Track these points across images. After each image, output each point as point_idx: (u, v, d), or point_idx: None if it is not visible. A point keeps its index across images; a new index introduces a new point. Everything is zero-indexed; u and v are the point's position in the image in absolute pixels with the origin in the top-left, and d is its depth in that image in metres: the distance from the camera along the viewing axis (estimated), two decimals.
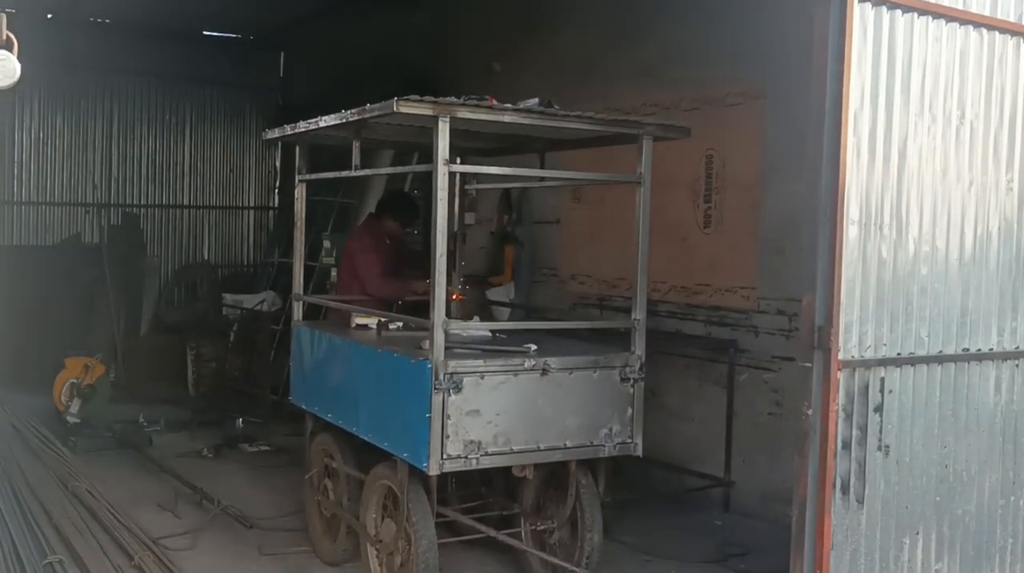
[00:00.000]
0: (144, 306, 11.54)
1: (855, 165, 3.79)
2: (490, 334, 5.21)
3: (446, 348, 4.49)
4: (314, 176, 5.88)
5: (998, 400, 4.33)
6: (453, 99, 4.25)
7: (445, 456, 4.34)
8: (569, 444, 4.66)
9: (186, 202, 12.07)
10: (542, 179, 5.94)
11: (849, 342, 3.83)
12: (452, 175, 6.44)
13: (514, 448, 4.52)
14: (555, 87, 7.44)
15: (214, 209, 12.18)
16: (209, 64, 11.67)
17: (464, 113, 4.26)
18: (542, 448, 4.59)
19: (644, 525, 6.42)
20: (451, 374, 4.32)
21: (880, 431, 3.94)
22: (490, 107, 4.31)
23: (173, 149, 11.99)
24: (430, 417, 4.30)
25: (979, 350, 4.25)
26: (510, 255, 8.82)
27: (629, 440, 4.81)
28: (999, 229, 4.29)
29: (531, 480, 5.11)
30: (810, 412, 3.78)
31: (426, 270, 7.21)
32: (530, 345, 4.75)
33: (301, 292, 6.03)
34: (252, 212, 12.30)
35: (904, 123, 3.97)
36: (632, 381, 4.81)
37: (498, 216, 8.94)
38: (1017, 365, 4.37)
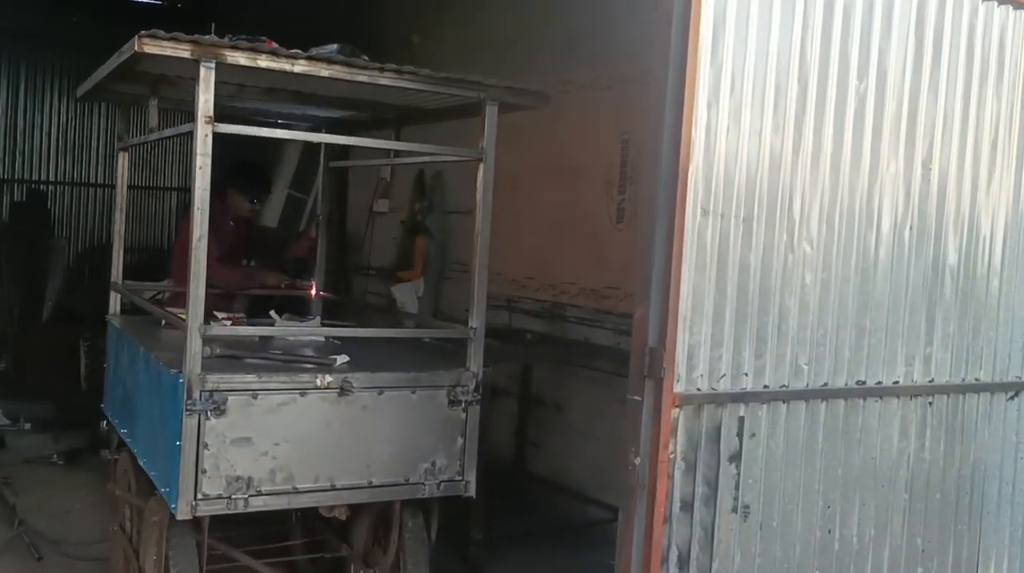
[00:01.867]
0: (48, 291, 10.61)
1: (706, 130, 2.85)
2: (324, 341, 4.32)
3: (225, 357, 3.59)
4: (138, 141, 4.94)
5: (904, 446, 3.39)
6: (216, 38, 3.32)
7: (200, 495, 3.41)
8: (376, 482, 3.73)
9: (99, 180, 11.17)
10: (395, 155, 5.01)
11: (694, 370, 2.89)
12: (322, 148, 5.59)
13: (298, 486, 3.59)
14: (474, 63, 6.52)
15: (131, 189, 11.24)
16: (131, 34, 10.70)
17: (236, 58, 3.33)
18: (338, 487, 3.66)
19: (526, 566, 5.51)
20: (210, 392, 3.40)
21: (737, 486, 3.01)
22: (271, 52, 3.38)
23: (86, 123, 11.08)
24: (180, 445, 3.37)
25: (879, 383, 3.31)
26: (421, 248, 7.89)
27: (458, 477, 3.88)
28: (912, 227, 3.34)
29: (363, 518, 4.21)
30: (637, 461, 2.84)
31: (280, 257, 6.39)
32: (336, 356, 3.83)
33: (120, 280, 5.10)
34: (174, 194, 11.38)
35: (782, 82, 3.02)
36: (464, 404, 3.88)
37: (409, 203, 8.02)
38: (930, 402, 3.42)
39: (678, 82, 2.76)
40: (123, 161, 5.12)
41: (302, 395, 3.57)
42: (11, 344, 9.61)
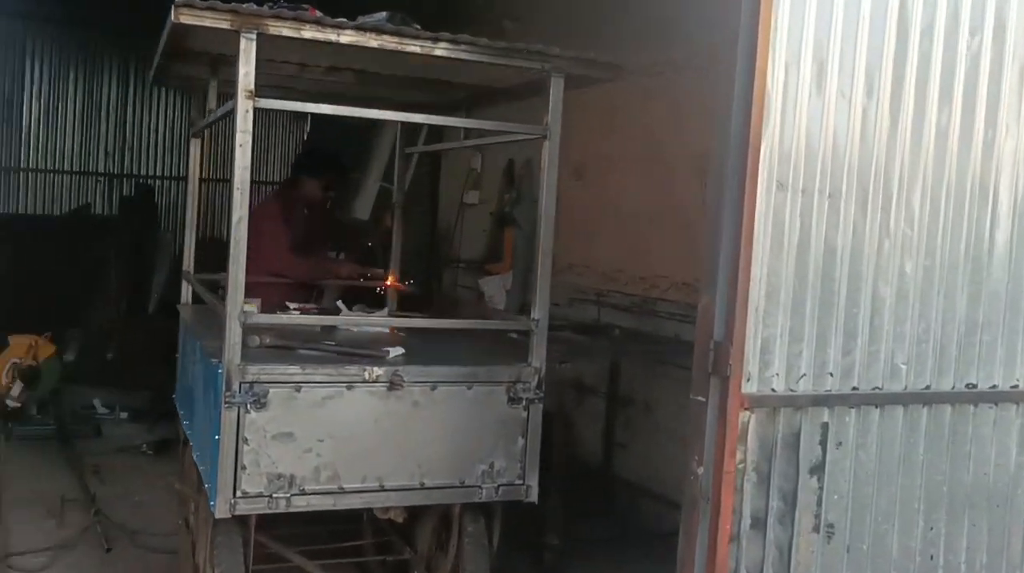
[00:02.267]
0: (153, 284, 10.83)
1: (784, 92, 2.47)
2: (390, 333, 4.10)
3: (275, 347, 3.41)
4: (203, 124, 4.82)
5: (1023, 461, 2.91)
6: (255, 7, 3.12)
7: (239, 493, 3.22)
8: (428, 483, 3.47)
9: (205, 175, 11.32)
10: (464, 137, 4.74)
11: (768, 368, 2.52)
12: (398, 133, 5.37)
13: (344, 486, 3.36)
14: (571, 47, 6.25)
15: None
16: None
17: (279, 28, 3.13)
18: (387, 487, 3.42)
19: None
20: (250, 383, 3.20)
21: (819, 502, 2.62)
22: (316, 21, 3.16)
23: (188, 118, 11.26)
24: (219, 440, 3.20)
25: (994, 387, 2.85)
26: (510, 240, 7.62)
27: (518, 481, 3.59)
28: None
29: (426, 521, 3.98)
30: (700, 470, 2.49)
31: (359, 248, 6.20)
32: (390, 349, 3.59)
33: (191, 270, 5.01)
34: (262, 187, 11.44)
35: (878, 37, 2.61)
36: (525, 402, 3.58)
37: (499, 194, 7.76)
38: None
39: (749, 36, 2.40)
40: (195, 149, 5.02)
41: (348, 389, 3.34)
42: (117, 336, 9.81)
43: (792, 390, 2.55)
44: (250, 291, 5.13)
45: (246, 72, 3.11)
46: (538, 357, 3.60)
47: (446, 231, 8.64)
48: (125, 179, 11.01)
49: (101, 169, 10.82)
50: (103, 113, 10.81)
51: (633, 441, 6.37)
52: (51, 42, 10.38)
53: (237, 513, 3.23)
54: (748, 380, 2.48)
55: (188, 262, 5.00)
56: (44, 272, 9.82)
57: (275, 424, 3.25)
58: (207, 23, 3.07)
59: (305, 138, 11.37)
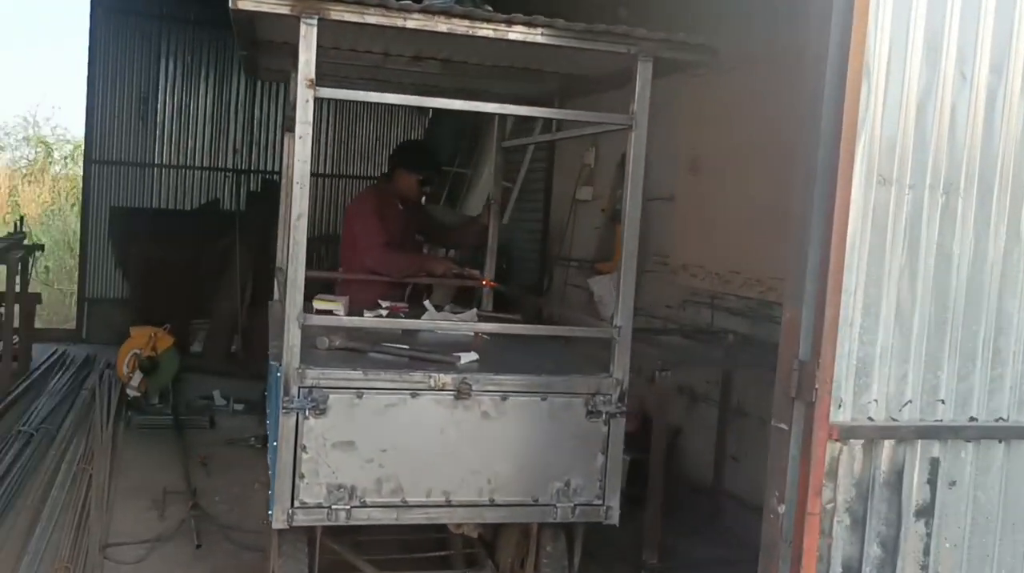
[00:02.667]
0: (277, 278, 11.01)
1: (886, 69, 2.10)
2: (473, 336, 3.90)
3: (345, 349, 3.25)
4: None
5: None
6: None
7: (297, 503, 3.07)
8: (498, 500, 3.23)
9: (328, 171, 11.47)
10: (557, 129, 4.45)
11: (864, 393, 2.16)
12: (495, 125, 5.15)
13: (408, 500, 3.16)
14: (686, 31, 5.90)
15: (356, 179, 11.48)
16: None
17: (340, 13, 2.95)
18: (453, 503, 3.20)
19: None
20: (309, 388, 3.05)
21: (926, 551, 2.24)
22: (380, 5, 2.96)
23: (317, 116, 11.41)
24: (277, 446, 3.05)
25: None
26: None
27: (597, 501, 3.31)
28: None
29: (509, 536, 3.77)
30: (781, 509, 2.16)
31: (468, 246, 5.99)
32: (463, 354, 3.37)
33: (285, 266, 4.93)
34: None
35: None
36: (606, 416, 3.29)
37: (611, 190, 7.45)
38: None
39: (845, 3, 2.04)
40: (289, 143, 4.94)
41: (413, 396, 3.14)
42: (242, 328, 10.02)
43: (894, 419, 2.18)
44: (343, 289, 5.09)
45: (307, 60, 2.95)
46: (620, 367, 3.31)
47: (558, 228, 8.38)
48: (252, 174, 11.24)
49: (229, 165, 11.08)
50: (232, 110, 11.07)
51: (747, 455, 5.96)
52: (184, 41, 10.68)
53: (295, 524, 3.08)
54: (839, 407, 2.12)
55: (281, 258, 4.92)
56: (174, 265, 10.13)
57: (335, 432, 3.08)
58: (265, 8, 2.92)
59: (424, 133, 11.36)
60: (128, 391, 7.59)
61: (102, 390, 8.08)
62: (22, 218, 9.23)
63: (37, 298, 9.17)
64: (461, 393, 3.15)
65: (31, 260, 9.23)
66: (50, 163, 16.55)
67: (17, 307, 8.52)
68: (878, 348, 2.16)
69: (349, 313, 4.31)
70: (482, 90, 4.59)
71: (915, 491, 2.21)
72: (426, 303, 4.39)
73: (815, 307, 2.08)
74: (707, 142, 6.37)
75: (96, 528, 5.16)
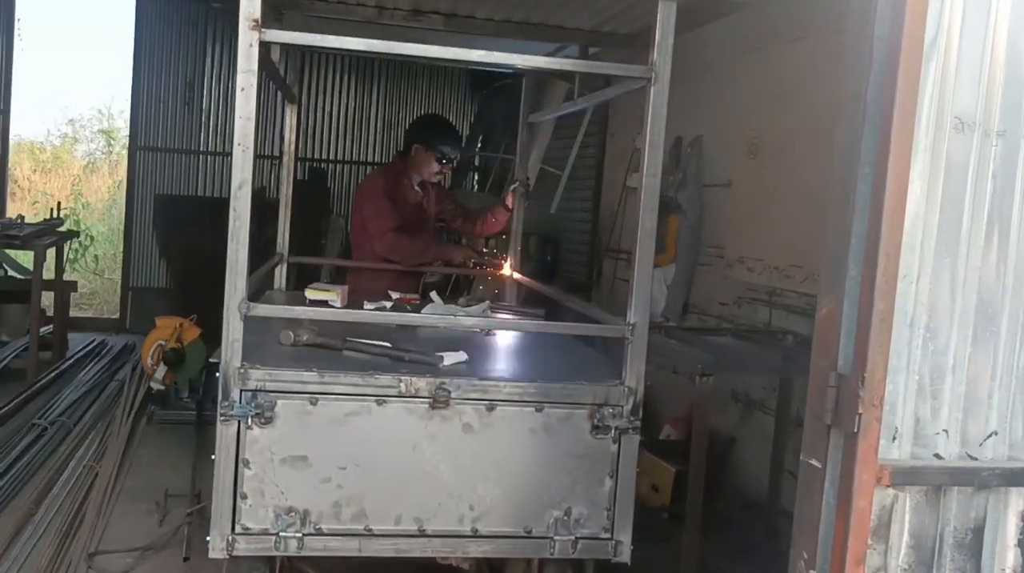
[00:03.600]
0: (324, 268, 10.69)
1: None
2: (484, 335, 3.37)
3: (313, 346, 2.74)
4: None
5: None
6: None
7: (239, 528, 2.57)
8: (483, 530, 2.68)
9: (377, 159, 11.05)
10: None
11: (930, 422, 1.55)
12: (523, 98, 4.58)
13: (373, 528, 2.63)
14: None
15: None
16: None
17: None
18: (428, 532, 2.66)
19: None
20: (252, 392, 2.54)
21: None
22: None
23: (365, 101, 10.99)
24: (215, 460, 2.56)
25: None
26: (674, 228, 6.67)
27: (605, 534, 2.73)
28: None
29: (515, 562, 3.22)
30: None
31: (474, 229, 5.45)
32: (448, 353, 2.83)
33: (285, 252, 4.48)
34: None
35: None
36: (615, 431, 2.71)
37: (664, 176, 6.80)
38: None
39: None
40: (291, 117, 4.48)
41: (379, 404, 2.61)
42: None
43: (973, 458, 1.56)
44: (353, 278, 4.60)
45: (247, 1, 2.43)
46: (634, 374, 2.72)
47: (608, 218, 7.79)
48: (299, 163, 10.88)
49: (275, 152, 10.73)
50: (278, 96, 10.72)
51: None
52: (230, 27, 10.35)
53: (236, 553, 2.58)
54: (894, 439, 1.52)
55: (282, 245, 4.47)
56: (216, 254, 9.81)
57: (284, 444, 2.57)
58: None
59: (474, 118, 10.87)
60: (152, 384, 7.24)
61: (131, 382, 7.78)
62: (59, 204, 9.01)
63: (73, 286, 8.94)
64: (437, 401, 2.61)
65: (67, 247, 9.02)
66: (111, 153, 16.56)
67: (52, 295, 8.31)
68: (950, 358, 1.55)
69: (351, 304, 3.84)
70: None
71: (999, 557, 1.60)
72: (432, 294, 3.87)
73: (860, 299, 1.48)
74: (768, 122, 5.72)
75: (87, 533, 4.78)
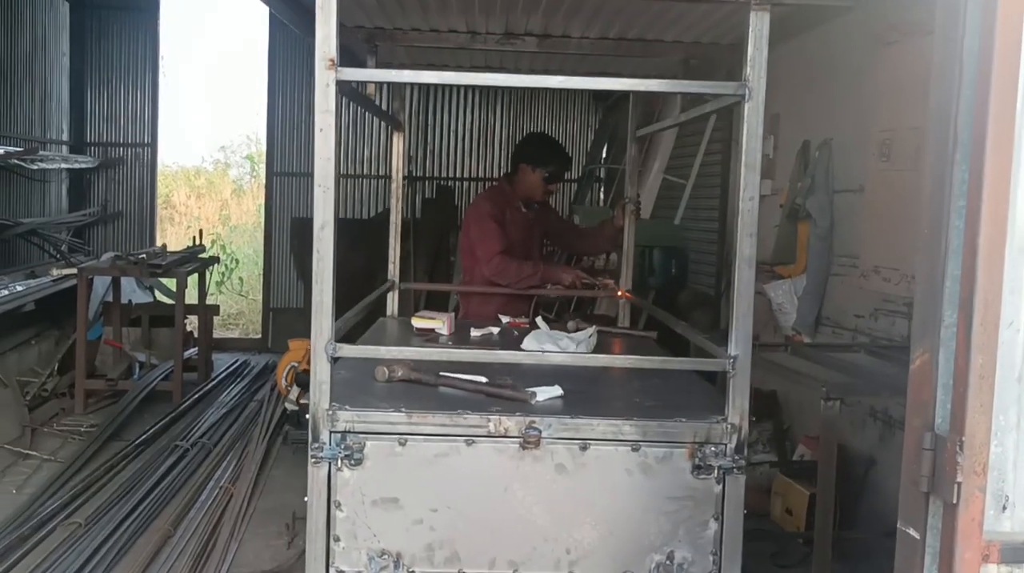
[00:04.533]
0: (453, 283, 10.84)
1: None
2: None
3: (407, 382, 2.72)
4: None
5: None
6: None
7: (333, 571, 2.56)
8: None
9: (500, 175, 11.08)
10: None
11: None
12: (631, 113, 4.42)
13: (466, 571, 2.57)
14: None
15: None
16: None
17: None
18: None
19: None
20: (341, 433, 2.52)
21: None
22: None
23: (488, 119, 11.04)
24: (307, 502, 2.56)
25: None
26: (804, 237, 6.35)
27: None
28: None
29: None
30: None
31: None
32: (542, 389, 2.74)
33: (396, 278, 4.50)
34: (571, 185, 10.90)
35: None
36: (719, 471, 2.55)
37: (791, 183, 6.52)
38: None
39: None
40: (398, 143, 4.49)
41: (468, 444, 2.54)
42: None
43: None
44: (464, 304, 4.58)
45: (325, 35, 2.43)
46: (738, 410, 2.55)
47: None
48: (426, 181, 11.05)
49: (404, 172, 10.92)
50: (406, 118, 10.90)
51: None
52: (347, 56, 10.63)
53: None
54: (1004, 509, 1.32)
55: (393, 271, 4.49)
56: (350, 274, 10.05)
57: (375, 486, 2.54)
58: None
59: (597, 131, 10.74)
60: (286, 405, 7.45)
61: (269, 403, 8.04)
62: (201, 232, 9.43)
63: (215, 310, 9.34)
64: (527, 441, 2.52)
65: (211, 272, 9.43)
66: (256, 178, 17.28)
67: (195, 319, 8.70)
68: None
69: (461, 329, 3.82)
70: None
71: None
72: (538, 320, 3.79)
73: (956, 351, 1.30)
74: (901, 122, 5.36)
75: (218, 556, 4.92)
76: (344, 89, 2.56)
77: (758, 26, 2.44)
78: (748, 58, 2.44)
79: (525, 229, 4.59)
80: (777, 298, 6.38)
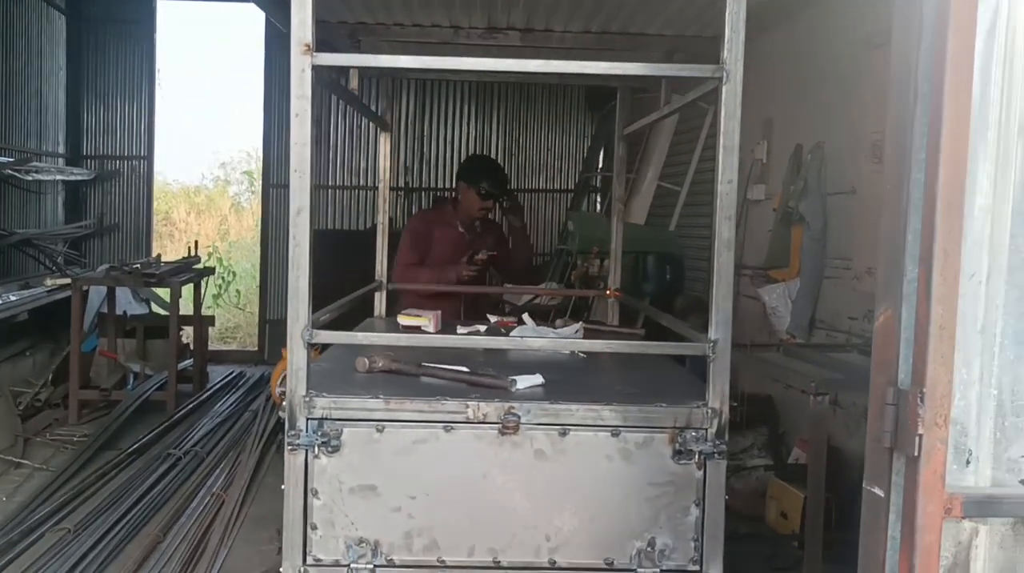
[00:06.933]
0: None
1: None
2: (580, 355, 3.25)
3: (387, 373, 2.71)
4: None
5: None
6: None
7: (311, 560, 2.53)
8: (561, 562, 2.55)
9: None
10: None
11: (1013, 441, 1.33)
12: (617, 113, 4.43)
13: (446, 559, 2.54)
14: None
15: (530, 192, 11.00)
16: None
17: None
18: (503, 564, 2.54)
19: None
20: (318, 420, 2.51)
21: None
22: None
23: (483, 131, 11.05)
24: (284, 490, 2.53)
25: None
26: (798, 240, 6.34)
27: (694, 566, 2.55)
28: None
29: None
30: None
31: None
32: (522, 377, 2.72)
33: (384, 279, 4.50)
34: (567, 196, 10.90)
35: None
36: (700, 456, 2.53)
37: (784, 186, 6.51)
38: None
39: None
40: (384, 145, 4.49)
41: (446, 430, 2.52)
42: None
43: None
44: (432, 305, 4.60)
45: (301, 20, 2.41)
46: (718, 394, 2.53)
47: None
48: (423, 192, 11.05)
49: (400, 183, 10.93)
50: (401, 129, 10.93)
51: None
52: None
53: None
54: (968, 463, 1.30)
55: (380, 272, 4.48)
56: (346, 285, 10.04)
57: (352, 473, 2.52)
58: None
59: (592, 138, 10.75)
60: (280, 414, 7.42)
61: (264, 412, 8.01)
62: (196, 243, 9.43)
63: (210, 320, 9.32)
64: (506, 426, 2.50)
65: (206, 284, 9.41)
66: (255, 193, 17.32)
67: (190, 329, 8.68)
68: None
69: (445, 328, 3.81)
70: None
71: None
72: (524, 316, 3.78)
73: (918, 298, 1.29)
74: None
75: (207, 562, 4.89)
76: (322, 77, 2.55)
77: (735, 9, 2.43)
78: (725, 40, 2.44)
79: (456, 248, 4.76)
80: (771, 302, 6.37)
